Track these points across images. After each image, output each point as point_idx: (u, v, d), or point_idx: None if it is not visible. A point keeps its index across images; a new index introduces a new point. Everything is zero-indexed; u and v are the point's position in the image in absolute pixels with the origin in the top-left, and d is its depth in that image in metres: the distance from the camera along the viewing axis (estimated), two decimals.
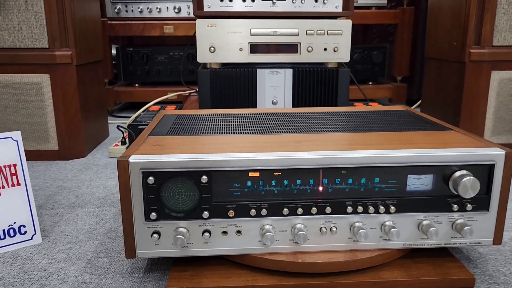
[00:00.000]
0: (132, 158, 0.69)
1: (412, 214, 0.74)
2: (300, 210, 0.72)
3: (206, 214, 0.71)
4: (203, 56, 1.42)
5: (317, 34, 1.43)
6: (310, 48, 1.43)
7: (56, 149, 1.46)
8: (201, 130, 0.88)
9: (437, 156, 0.72)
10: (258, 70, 1.42)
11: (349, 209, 0.73)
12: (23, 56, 1.40)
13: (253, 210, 0.71)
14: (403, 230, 0.75)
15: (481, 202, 0.74)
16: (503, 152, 0.72)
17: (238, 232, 0.73)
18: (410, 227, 0.75)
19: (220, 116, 1.02)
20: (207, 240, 0.72)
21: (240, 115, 1.03)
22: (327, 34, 1.43)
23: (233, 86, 1.42)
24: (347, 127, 0.89)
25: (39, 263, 0.82)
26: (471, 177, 0.70)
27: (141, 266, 0.81)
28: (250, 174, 0.71)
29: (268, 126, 0.91)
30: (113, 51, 2.30)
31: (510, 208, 1.08)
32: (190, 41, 1.94)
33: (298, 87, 1.44)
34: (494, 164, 0.72)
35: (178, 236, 0.70)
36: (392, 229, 0.72)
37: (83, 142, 1.50)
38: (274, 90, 1.44)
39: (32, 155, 1.47)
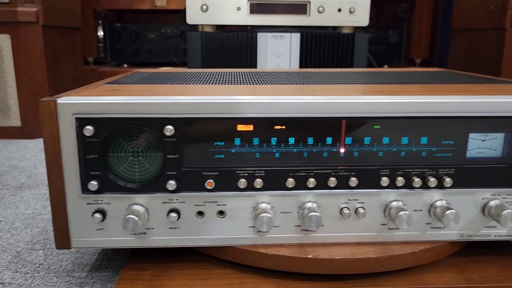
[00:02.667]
0: (63, 99, 0.46)
1: (474, 190, 0.50)
2: (312, 182, 0.49)
3: (172, 184, 0.47)
4: (193, 16, 1.19)
5: None
6: (321, 9, 1.20)
7: (18, 126, 1.24)
8: (177, 80, 0.64)
9: (503, 104, 0.48)
10: (259, 34, 1.19)
11: (384, 181, 0.49)
12: None
13: (242, 180, 0.48)
14: (461, 214, 0.51)
15: None
16: None
17: (221, 212, 0.50)
18: (472, 210, 0.51)
19: (208, 73, 0.79)
20: (174, 223, 0.49)
21: (234, 73, 0.80)
22: None
23: (228, 53, 1.19)
24: (374, 80, 0.66)
25: None
26: None
27: (87, 263, 0.58)
28: (239, 127, 0.48)
29: (269, 79, 0.68)
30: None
31: None
32: (182, 14, 1.71)
33: (306, 55, 1.21)
34: None
35: (130, 216, 0.46)
36: (448, 212, 0.48)
37: None
38: (278, 58, 1.21)
39: None
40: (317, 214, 0.47)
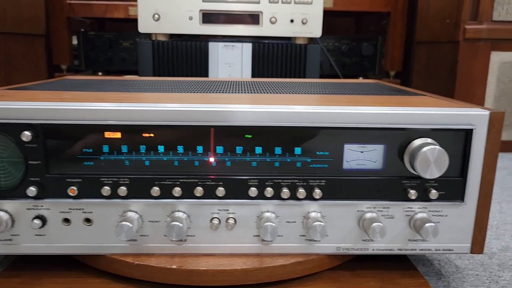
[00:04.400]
0: None
1: (349, 202, 0.50)
2: (178, 191, 0.48)
3: (33, 191, 0.47)
4: (145, 25, 1.19)
5: (282, 2, 1.20)
6: (273, 19, 1.20)
7: None
8: (90, 88, 0.64)
9: (387, 116, 0.48)
10: (210, 44, 1.19)
11: (254, 191, 0.48)
12: None
13: (106, 188, 0.47)
14: (336, 226, 0.50)
15: (452, 188, 0.50)
16: (486, 112, 0.48)
17: (87, 220, 0.49)
18: (348, 222, 0.50)
19: (137, 82, 0.79)
20: (40, 230, 0.49)
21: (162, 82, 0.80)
22: (294, 3, 1.20)
23: (179, 62, 1.19)
24: (290, 91, 0.65)
25: None
26: (436, 147, 0.46)
27: None
28: (107, 134, 0.47)
29: (171, 87, 0.67)
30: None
31: (500, 202, 0.83)
32: None
33: (258, 65, 1.21)
34: (472, 130, 0.48)
35: None
36: (316, 224, 0.47)
37: None
38: (229, 68, 1.21)
39: None
40: (179, 224, 0.47)
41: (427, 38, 1.45)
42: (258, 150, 0.49)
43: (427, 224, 0.48)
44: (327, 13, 2.29)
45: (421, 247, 0.51)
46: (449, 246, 0.51)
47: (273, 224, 0.47)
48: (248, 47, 1.19)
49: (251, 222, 0.50)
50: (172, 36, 1.23)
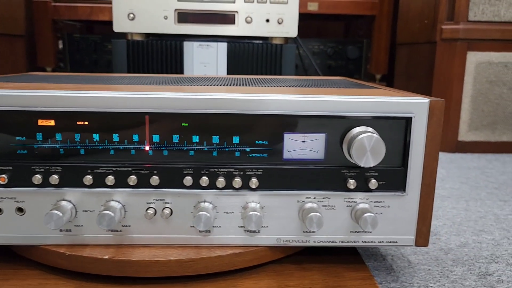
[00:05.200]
0: None
1: (289, 192, 0.49)
2: (111, 180, 0.47)
3: None
4: (120, 24, 1.19)
5: (257, 2, 1.19)
6: (249, 19, 1.20)
7: None
8: (41, 81, 0.64)
9: (325, 103, 0.47)
10: (185, 43, 1.18)
11: (189, 180, 0.47)
12: None
13: (37, 176, 0.46)
14: (276, 217, 0.49)
15: (393, 178, 0.49)
16: (425, 100, 0.47)
17: (20, 210, 0.48)
18: (288, 213, 0.49)
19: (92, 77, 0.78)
20: None
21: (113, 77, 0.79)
22: (270, 2, 1.20)
23: (154, 61, 1.19)
24: (248, 84, 0.65)
25: None
26: (373, 135, 0.45)
27: None
28: (40, 121, 0.47)
29: (123, 81, 0.67)
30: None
31: (467, 200, 0.82)
32: None
33: (233, 65, 1.20)
34: (411, 118, 0.47)
35: None
36: (251, 213, 0.46)
37: None
38: (205, 67, 1.20)
39: None
40: (110, 213, 0.46)
41: (407, 40, 1.45)
42: (195, 139, 0.48)
43: (365, 214, 0.47)
44: (314, 17, 2.30)
45: (364, 239, 0.50)
46: (393, 238, 0.50)
47: (207, 214, 0.46)
48: (223, 46, 1.19)
49: (187, 213, 0.49)
50: (148, 35, 1.23)
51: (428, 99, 0.47)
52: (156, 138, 0.47)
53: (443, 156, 1.19)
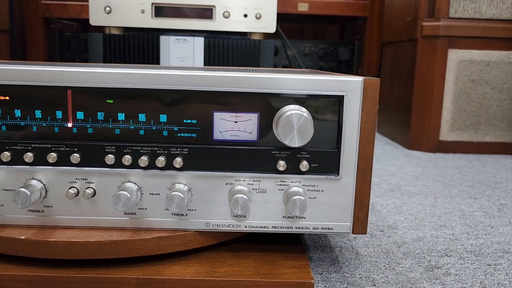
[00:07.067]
0: None
1: (217, 174, 0.46)
2: (29, 157, 0.45)
3: None
4: (96, 17, 1.18)
5: None
6: (226, 13, 1.19)
7: None
8: None
9: (255, 80, 0.45)
10: (162, 37, 1.17)
11: (110, 159, 0.45)
12: None
13: None
14: (204, 200, 0.47)
15: (326, 160, 0.46)
16: (358, 79, 0.45)
17: None
18: (217, 196, 0.47)
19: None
20: None
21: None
22: None
23: (130, 56, 1.17)
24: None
25: None
26: (301, 113, 0.43)
27: None
28: None
29: None
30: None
31: (437, 197, 0.79)
32: None
33: (210, 61, 1.19)
34: (343, 96, 0.45)
35: None
36: (173, 193, 0.44)
37: None
38: (181, 62, 1.19)
39: None
40: (27, 192, 0.44)
41: (392, 39, 1.43)
42: (121, 116, 0.46)
43: (294, 197, 0.45)
44: (307, 19, 2.28)
45: (298, 225, 0.48)
46: (328, 224, 0.48)
47: (127, 194, 0.44)
48: (200, 41, 1.18)
49: (111, 194, 0.47)
50: (126, 29, 1.22)
51: (362, 78, 0.45)
52: (80, 115, 0.46)
53: (422, 156, 1.16)
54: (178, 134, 0.46)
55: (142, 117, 0.46)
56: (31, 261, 0.46)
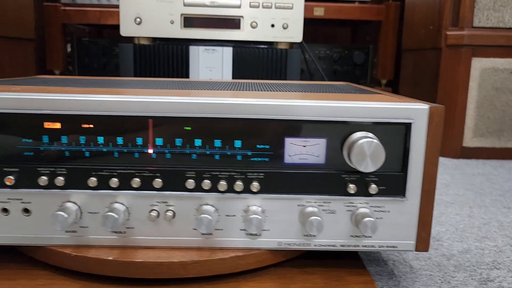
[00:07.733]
0: None
1: (290, 196, 0.49)
2: (114, 182, 0.48)
3: None
4: (127, 28, 1.20)
5: (263, 7, 1.20)
6: (254, 24, 1.21)
7: None
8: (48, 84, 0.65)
9: (326, 109, 0.47)
10: (191, 47, 1.20)
11: (191, 183, 0.48)
12: None
13: (43, 178, 0.48)
14: (277, 221, 0.50)
15: (393, 183, 0.49)
16: (425, 106, 0.48)
17: (26, 211, 0.49)
18: (289, 216, 0.50)
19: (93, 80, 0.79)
20: None
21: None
22: (275, 8, 1.21)
23: (160, 66, 1.20)
24: (253, 89, 0.66)
25: None
26: (373, 140, 0.46)
27: None
28: (46, 124, 0.48)
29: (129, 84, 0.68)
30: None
31: (471, 207, 0.82)
32: None
33: (238, 70, 1.21)
34: (410, 124, 0.48)
35: None
36: (252, 217, 0.47)
37: None
38: (210, 72, 1.22)
39: None
40: (114, 215, 0.46)
41: (413, 46, 1.45)
42: (198, 142, 0.49)
43: (365, 219, 0.47)
44: (321, 22, 2.31)
45: (365, 244, 0.51)
46: (393, 242, 0.51)
47: (209, 217, 0.47)
48: (228, 51, 1.20)
49: (190, 215, 0.49)
50: (155, 40, 1.24)
51: (428, 105, 0.48)
52: (159, 141, 0.48)
53: (447, 162, 1.19)
54: (252, 159, 0.49)
55: (218, 143, 0.49)
56: (110, 280, 0.48)
